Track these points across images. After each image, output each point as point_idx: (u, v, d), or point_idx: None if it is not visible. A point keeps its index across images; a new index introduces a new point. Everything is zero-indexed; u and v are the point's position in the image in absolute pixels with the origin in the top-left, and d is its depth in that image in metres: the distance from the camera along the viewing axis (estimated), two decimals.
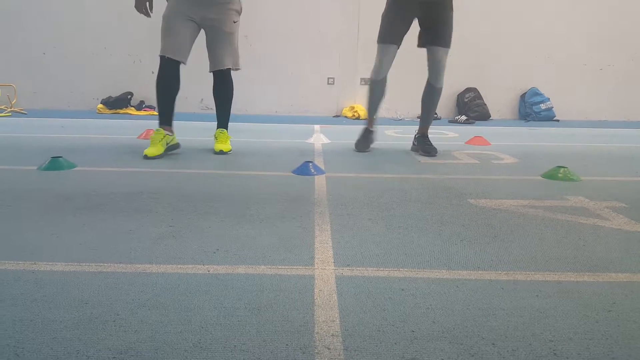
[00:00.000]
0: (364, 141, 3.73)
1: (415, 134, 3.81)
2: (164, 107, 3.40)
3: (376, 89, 3.65)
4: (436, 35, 3.46)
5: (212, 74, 3.46)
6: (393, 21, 3.47)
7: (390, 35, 3.48)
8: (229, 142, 3.52)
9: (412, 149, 3.79)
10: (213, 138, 3.58)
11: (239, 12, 3.44)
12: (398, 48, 3.52)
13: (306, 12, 6.98)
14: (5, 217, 1.89)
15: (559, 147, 4.25)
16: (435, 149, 3.60)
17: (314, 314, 1.17)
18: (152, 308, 1.18)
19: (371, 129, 3.77)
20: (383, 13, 3.53)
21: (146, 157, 3.19)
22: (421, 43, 3.55)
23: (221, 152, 3.41)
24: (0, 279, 1.33)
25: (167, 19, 3.31)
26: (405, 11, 3.44)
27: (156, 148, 3.24)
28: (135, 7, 3.31)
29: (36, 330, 1.07)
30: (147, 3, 3.32)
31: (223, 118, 3.58)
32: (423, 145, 3.65)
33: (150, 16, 3.36)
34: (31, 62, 6.88)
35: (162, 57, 3.32)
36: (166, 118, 3.40)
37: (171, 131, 3.40)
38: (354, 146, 3.75)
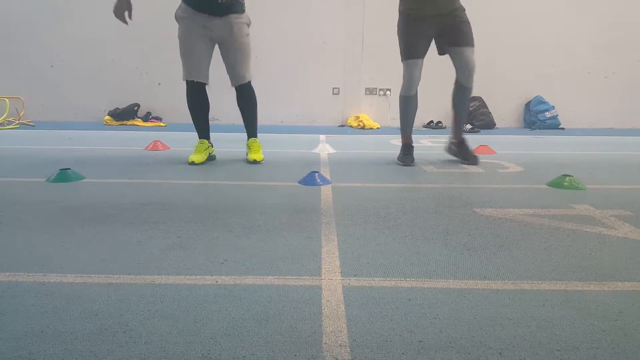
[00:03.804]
0: (409, 155, 3.61)
1: (451, 140, 3.78)
2: (200, 124, 3.64)
3: (409, 104, 3.61)
4: (459, 36, 3.41)
5: (233, 88, 3.56)
6: (413, 37, 3.44)
7: (414, 50, 3.45)
8: (260, 151, 3.64)
9: (453, 154, 3.77)
10: (246, 148, 3.69)
11: (249, 25, 3.50)
12: (423, 60, 3.50)
13: (311, 23, 7.03)
14: (15, 229, 1.91)
15: (564, 156, 4.25)
16: (478, 157, 3.60)
17: (321, 324, 1.18)
18: (162, 319, 1.19)
19: (412, 145, 3.69)
20: (399, 32, 3.52)
21: (193, 163, 3.44)
22: (442, 50, 3.52)
23: (255, 162, 3.52)
24: (11, 291, 1.35)
25: (184, 42, 3.39)
26: (421, 26, 3.42)
27: (201, 155, 3.52)
28: (114, 12, 3.31)
29: (47, 342, 1.08)
30: (127, 12, 3.32)
31: (252, 127, 3.70)
32: (465, 153, 3.63)
33: (127, 24, 3.35)
34: (39, 75, 6.95)
35: (187, 82, 3.46)
36: (204, 133, 3.64)
37: (211, 144, 3.68)
38: (397, 161, 3.65)
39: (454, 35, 3.42)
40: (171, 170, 3.25)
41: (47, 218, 2.08)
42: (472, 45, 3.44)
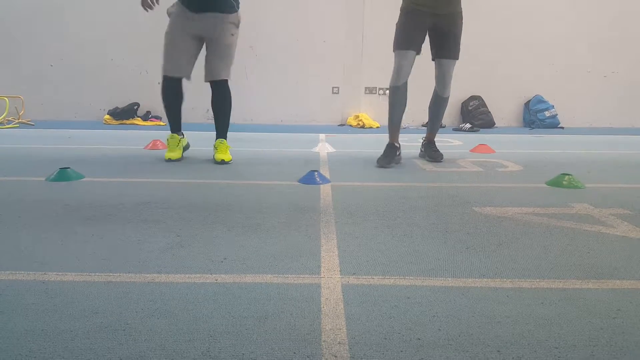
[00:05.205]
0: (387, 157, 3.41)
1: (423, 140, 3.86)
2: (172, 117, 3.66)
3: (396, 96, 3.47)
4: (445, 48, 3.50)
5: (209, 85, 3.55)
6: (408, 29, 3.47)
7: (406, 41, 3.45)
8: (228, 152, 3.55)
9: (420, 155, 3.85)
10: (213, 148, 3.62)
11: (237, 25, 3.51)
12: (417, 54, 3.47)
13: (311, 22, 7.02)
14: (15, 228, 1.92)
15: (563, 155, 4.25)
16: (441, 154, 3.67)
17: (320, 322, 1.18)
18: (161, 317, 1.20)
19: (396, 144, 3.49)
20: (397, 23, 3.55)
21: (169, 160, 3.48)
22: (432, 56, 3.58)
23: (222, 162, 3.44)
24: (11, 290, 1.35)
25: (169, 37, 3.44)
26: (418, 20, 3.45)
27: (176, 152, 3.55)
28: (142, 3, 3.35)
29: (48, 340, 1.09)
30: None
31: (222, 128, 3.63)
32: (429, 151, 3.72)
33: (153, 8, 3.35)
34: (38, 73, 6.94)
35: (164, 76, 3.49)
36: (176, 126, 3.67)
37: (182, 134, 3.69)
38: (376, 162, 3.40)
39: (441, 44, 3.51)
40: (171, 169, 3.26)
41: (47, 217, 2.08)
42: (455, 59, 3.54)
